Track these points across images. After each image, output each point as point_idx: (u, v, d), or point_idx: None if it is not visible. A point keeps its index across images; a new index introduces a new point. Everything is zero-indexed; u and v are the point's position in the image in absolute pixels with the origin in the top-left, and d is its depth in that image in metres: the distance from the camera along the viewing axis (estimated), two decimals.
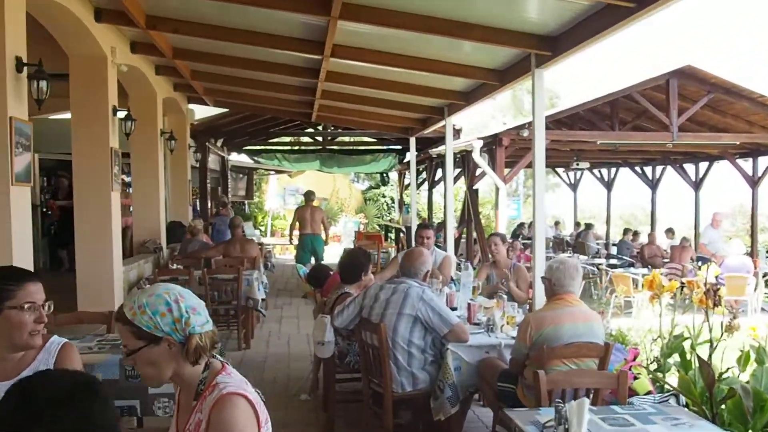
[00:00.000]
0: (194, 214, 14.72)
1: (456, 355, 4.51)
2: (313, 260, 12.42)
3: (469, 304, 5.24)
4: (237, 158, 20.14)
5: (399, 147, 19.35)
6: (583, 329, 4.01)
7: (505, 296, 5.55)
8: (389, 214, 27.51)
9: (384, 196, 28.20)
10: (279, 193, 26.82)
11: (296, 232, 13.02)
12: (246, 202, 23.76)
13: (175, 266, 8.97)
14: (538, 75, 6.12)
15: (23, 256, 5.39)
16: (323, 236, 12.88)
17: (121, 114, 8.33)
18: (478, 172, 13.72)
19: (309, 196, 13.09)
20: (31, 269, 5.36)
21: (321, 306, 5.63)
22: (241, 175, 22.80)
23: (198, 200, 15.26)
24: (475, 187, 13.83)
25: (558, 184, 44.62)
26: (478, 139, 11.69)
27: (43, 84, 5.59)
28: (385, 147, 19.97)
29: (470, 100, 8.92)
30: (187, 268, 8.78)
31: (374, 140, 19.58)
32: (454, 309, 5.62)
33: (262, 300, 9.02)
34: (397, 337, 4.48)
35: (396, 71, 8.25)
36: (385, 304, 4.57)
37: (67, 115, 8.22)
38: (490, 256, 7.33)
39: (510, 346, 4.46)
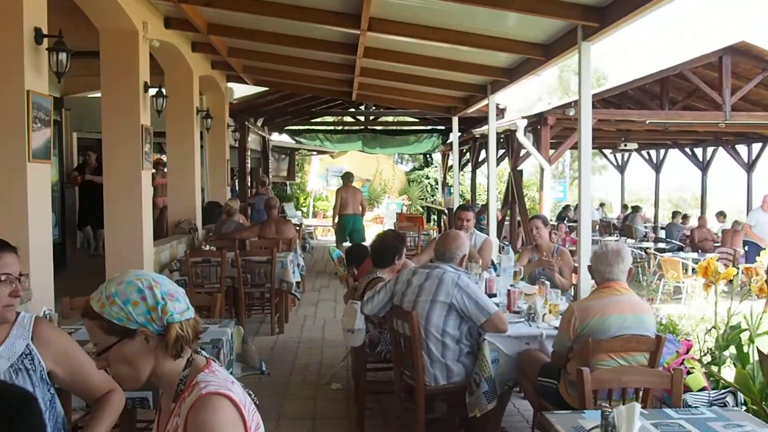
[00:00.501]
0: (233, 195, 14.60)
1: (494, 346, 4.18)
2: (348, 243, 12.28)
3: (509, 291, 4.89)
4: (278, 138, 19.97)
5: (442, 127, 18.97)
6: (632, 320, 3.65)
7: (547, 282, 5.20)
8: (433, 195, 27.13)
9: (428, 178, 27.81)
10: (321, 174, 26.64)
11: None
12: (288, 182, 23.63)
13: (207, 247, 8.77)
14: (585, 49, 5.74)
15: (41, 235, 5.20)
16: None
17: (153, 91, 8.11)
18: (523, 152, 13.30)
19: (349, 177, 13.25)
20: (50, 249, 5.42)
21: (352, 291, 5.34)
22: (283, 156, 22.65)
23: (237, 180, 15.11)
24: (519, 168, 13.40)
25: (605, 166, 43.68)
26: (523, 118, 11.27)
27: (63, 57, 5.31)
28: (428, 127, 19.59)
29: (514, 77, 8.52)
30: (220, 249, 8.59)
31: (417, 120, 19.21)
32: (493, 296, 5.29)
33: (297, 283, 8.78)
34: (430, 327, 4.17)
35: (436, 46, 7.91)
36: (417, 290, 4.26)
37: None
38: (533, 239, 6.95)
39: (552, 337, 4.12)
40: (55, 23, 5.37)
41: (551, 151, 11.67)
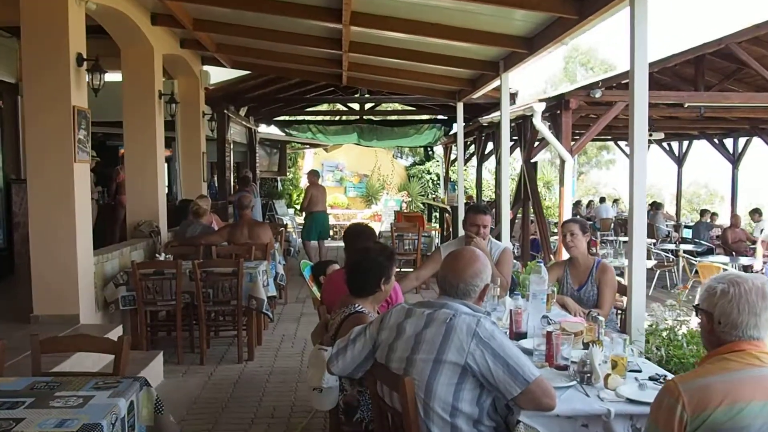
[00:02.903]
0: (211, 192, 13.09)
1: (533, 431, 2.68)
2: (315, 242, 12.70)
3: (548, 335, 3.32)
4: (267, 130, 18.44)
5: (444, 117, 17.49)
6: None
7: (600, 317, 3.69)
8: (435, 191, 25.61)
9: (429, 173, 26.27)
10: (316, 169, 25.09)
11: None
12: (279, 178, 22.11)
13: (163, 256, 7.27)
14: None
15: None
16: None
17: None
18: (537, 142, 11.79)
19: (316, 174, 13.68)
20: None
21: (322, 328, 3.81)
22: (274, 150, 21.13)
23: (216, 176, 13.60)
24: (533, 160, 11.88)
25: (613, 160, 42.20)
26: (540, 101, 9.73)
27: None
28: (429, 117, 18.09)
29: (534, 48, 7.01)
30: (180, 258, 7.11)
31: (416, 109, 17.72)
32: (521, 336, 3.78)
33: (272, 298, 7.29)
34: (433, 401, 2.66)
35: (439, 8, 6.42)
36: (413, 342, 2.75)
37: None
38: (561, 250, 5.42)
39: (624, 417, 2.64)
40: None
41: (572, 141, 10.10)
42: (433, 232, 11.90)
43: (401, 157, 28.03)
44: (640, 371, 3.14)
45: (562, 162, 9.82)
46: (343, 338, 3.06)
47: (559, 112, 9.86)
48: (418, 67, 9.60)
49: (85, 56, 6.14)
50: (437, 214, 19.11)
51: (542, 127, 9.67)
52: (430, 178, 26.17)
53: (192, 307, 6.75)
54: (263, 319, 7.41)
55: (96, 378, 3.16)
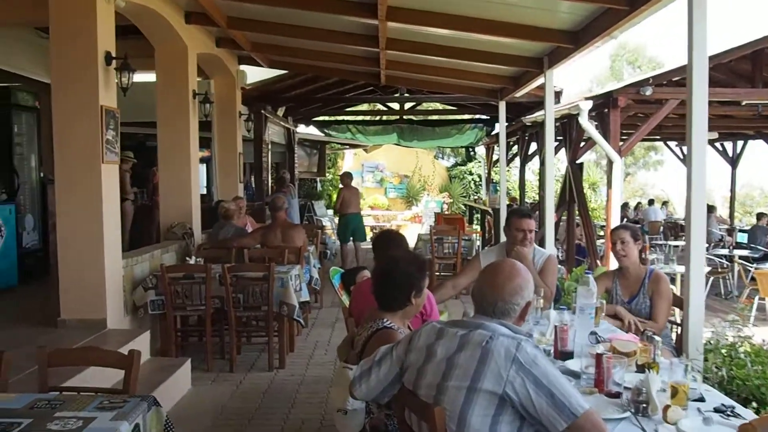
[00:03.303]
0: (248, 194, 12.95)
1: None
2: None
3: (599, 358, 2.98)
4: (306, 131, 18.26)
5: (486, 117, 17.10)
6: None
7: (656, 337, 3.33)
8: (476, 193, 25.19)
9: (471, 174, 25.85)
10: (356, 170, 24.86)
11: None
12: (318, 179, 21.93)
13: (194, 260, 7.07)
14: None
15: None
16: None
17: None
18: (583, 142, 11.36)
19: (349, 176, 13.54)
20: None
21: (348, 344, 3.52)
22: (314, 151, 20.96)
23: (254, 177, 13.44)
24: (578, 161, 11.45)
25: (661, 161, 41.12)
26: (586, 99, 9.32)
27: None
28: (470, 117, 17.72)
29: (580, 42, 6.64)
30: (209, 261, 6.91)
31: (456, 108, 17.38)
32: (568, 356, 3.44)
33: (305, 303, 7.03)
34: None
35: (480, 3, 6.11)
36: (445, 367, 2.44)
37: None
38: (613, 258, 5.05)
39: None
40: None
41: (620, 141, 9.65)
42: (474, 236, 11.55)
43: (442, 158, 27.67)
44: (703, 401, 2.78)
45: (610, 163, 9.40)
46: (368, 359, 2.77)
47: (606, 110, 9.43)
48: (459, 65, 9.27)
49: (114, 55, 5.96)
50: (479, 216, 18.74)
51: (589, 127, 9.26)
52: (472, 179, 25.77)
53: (222, 312, 6.54)
54: (296, 325, 7.16)
55: (103, 396, 2.93)
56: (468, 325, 2.52)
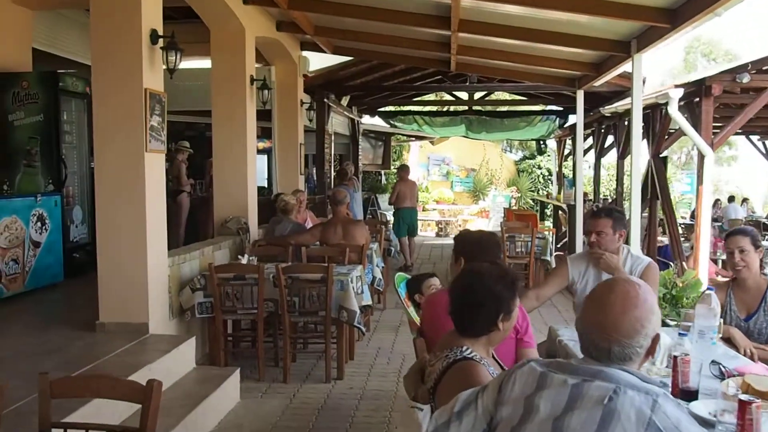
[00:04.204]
0: (309, 186, 12.43)
1: None
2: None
3: (742, 404, 2.27)
4: (371, 122, 17.69)
5: (559, 108, 16.24)
6: None
7: None
8: (546, 187, 24.24)
9: (540, 168, 24.90)
10: (422, 163, 24.22)
11: None
12: (383, 172, 21.35)
13: (247, 258, 6.52)
14: None
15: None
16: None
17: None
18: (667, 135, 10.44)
19: (405, 169, 13.49)
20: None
21: (417, 373, 2.86)
22: (379, 143, 20.39)
23: (315, 169, 12.92)
24: (662, 155, 10.55)
25: (735, 156, 39.20)
26: (677, 87, 8.44)
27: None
28: (543, 108, 16.89)
29: (679, 21, 5.85)
30: (263, 260, 6.39)
31: (526, 99, 16.58)
32: (691, 395, 2.73)
33: (366, 307, 6.43)
34: None
35: None
36: (552, 430, 1.80)
37: None
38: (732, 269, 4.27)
39: None
40: None
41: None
42: (547, 233, 10.76)
43: (510, 151, 26.78)
44: None
45: (702, 157, 8.51)
46: (444, 409, 2.11)
47: (698, 99, 8.53)
48: (535, 50, 8.55)
49: (160, 33, 5.45)
50: (550, 212, 17.86)
51: (679, 117, 8.38)
52: (541, 173, 24.84)
53: (276, 316, 6.00)
54: (356, 331, 6.55)
55: None
56: (581, 372, 1.85)
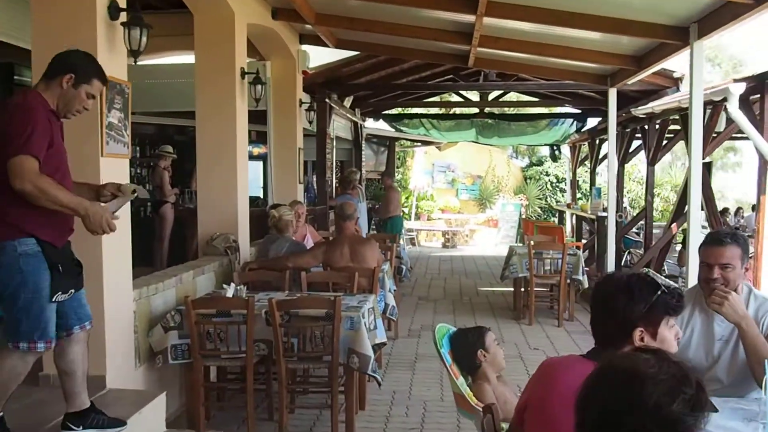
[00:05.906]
0: (309, 196, 11.26)
1: None
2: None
3: None
4: (374, 126, 16.55)
5: (578, 111, 15.12)
6: None
7: None
8: (554, 195, 23.09)
9: (547, 174, 23.74)
10: (426, 170, 23.04)
11: None
12: None
13: (233, 288, 5.31)
14: None
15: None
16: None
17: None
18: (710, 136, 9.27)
19: (391, 175, 13.74)
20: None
21: None
22: (382, 148, 19.26)
23: (315, 177, 11.73)
24: (707, 160, 9.38)
25: (739, 162, 38.15)
26: (736, 81, 7.27)
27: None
28: (558, 111, 15.80)
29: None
30: (253, 289, 5.21)
31: (538, 100, 15.49)
32: None
33: (380, 345, 5.23)
34: None
35: None
36: None
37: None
38: None
39: None
40: None
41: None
42: (576, 249, 9.57)
43: (517, 158, 25.61)
44: None
45: (764, 163, 7.35)
46: None
47: (759, 95, 7.38)
48: (567, 39, 7.46)
49: (121, 6, 4.29)
50: (572, 223, 16.68)
51: (740, 117, 7.20)
52: (549, 181, 23.68)
53: (270, 359, 4.82)
54: (365, 379, 5.35)
55: None
56: None
